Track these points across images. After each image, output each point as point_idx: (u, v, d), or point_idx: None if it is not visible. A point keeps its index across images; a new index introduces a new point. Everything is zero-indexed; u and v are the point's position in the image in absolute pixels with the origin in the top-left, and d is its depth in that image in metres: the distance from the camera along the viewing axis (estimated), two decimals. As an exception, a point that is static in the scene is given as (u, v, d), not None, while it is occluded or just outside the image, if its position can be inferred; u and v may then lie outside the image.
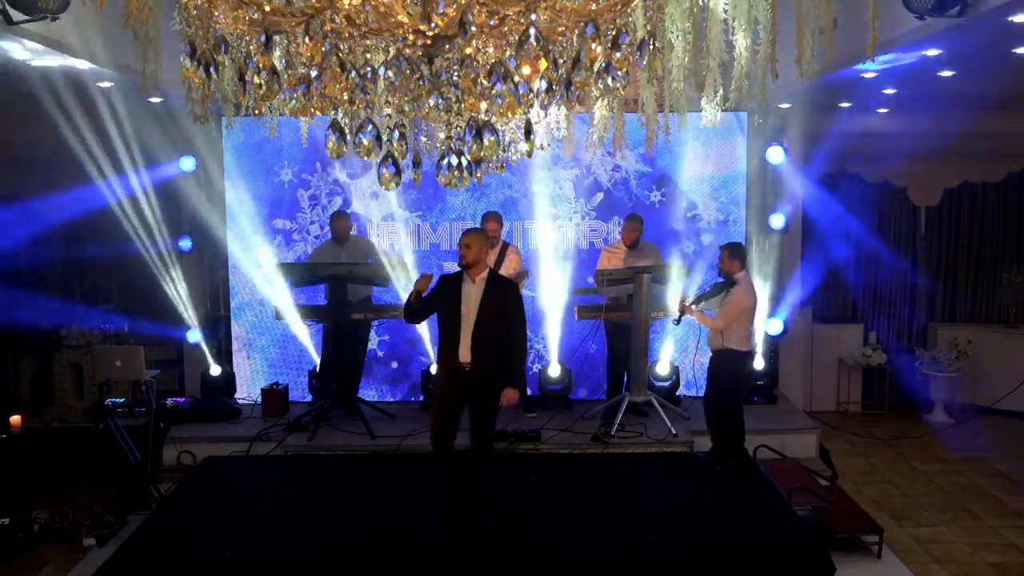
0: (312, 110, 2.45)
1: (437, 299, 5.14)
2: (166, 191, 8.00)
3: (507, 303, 5.06)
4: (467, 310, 4.96)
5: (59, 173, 7.96)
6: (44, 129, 7.64)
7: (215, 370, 7.80)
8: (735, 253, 6.09)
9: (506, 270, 7.02)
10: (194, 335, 7.96)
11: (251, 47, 2.37)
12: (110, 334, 8.11)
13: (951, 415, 8.34)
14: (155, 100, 6.65)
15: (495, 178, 7.51)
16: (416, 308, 5.17)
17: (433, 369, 7.01)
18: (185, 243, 8.01)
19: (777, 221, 7.90)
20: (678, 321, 6.33)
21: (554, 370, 7.56)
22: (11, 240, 8.16)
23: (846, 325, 8.82)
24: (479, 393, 5.03)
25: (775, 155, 7.78)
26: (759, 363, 7.76)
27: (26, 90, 5.99)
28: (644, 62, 2.29)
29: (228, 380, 7.86)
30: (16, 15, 4.07)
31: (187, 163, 7.87)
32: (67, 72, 5.55)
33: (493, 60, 2.28)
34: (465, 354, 4.95)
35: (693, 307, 6.19)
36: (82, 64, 5.36)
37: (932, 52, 5.32)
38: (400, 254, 7.65)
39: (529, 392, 7.54)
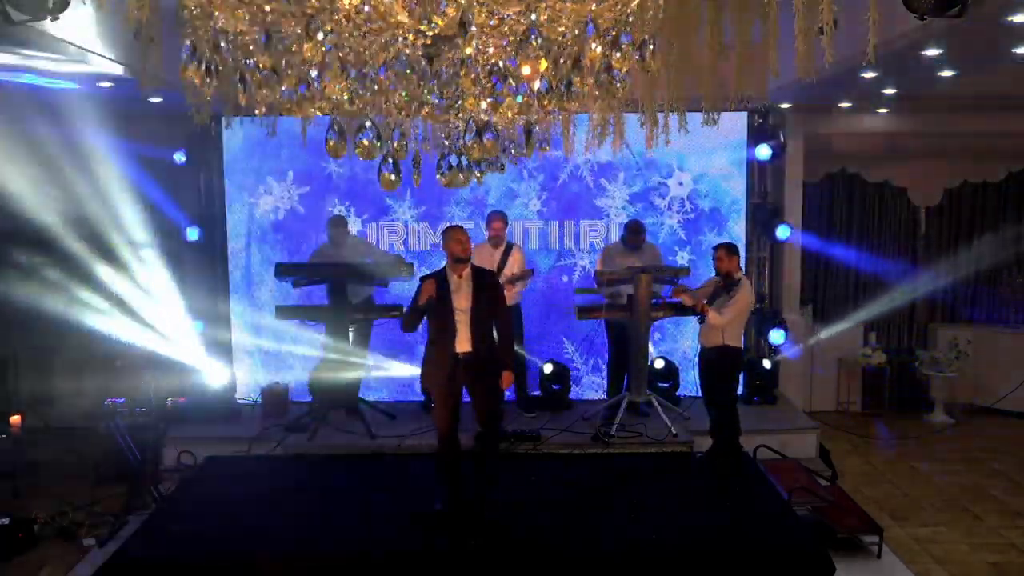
0: (312, 109, 2.45)
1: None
2: (166, 189, 7.99)
3: (493, 292, 5.32)
4: (460, 303, 5.16)
5: (58, 170, 7.95)
6: (43, 127, 7.64)
7: (223, 373, 7.78)
8: (733, 253, 6.09)
9: (510, 269, 7.02)
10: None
11: (251, 47, 2.37)
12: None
13: (951, 415, 8.34)
14: (155, 100, 6.65)
15: (494, 177, 7.50)
16: (417, 316, 5.27)
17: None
18: (192, 232, 8.00)
19: (782, 232, 7.88)
20: (702, 320, 6.22)
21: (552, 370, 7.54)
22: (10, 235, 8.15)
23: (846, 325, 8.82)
24: (482, 379, 5.21)
25: (762, 152, 7.74)
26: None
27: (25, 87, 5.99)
28: (644, 60, 2.29)
29: (228, 380, 7.84)
30: (16, 15, 4.06)
31: (179, 156, 7.87)
32: (67, 71, 5.56)
33: (493, 60, 2.28)
34: (464, 344, 5.15)
35: (708, 307, 6.13)
36: (82, 63, 5.36)
37: (932, 52, 5.32)
38: (400, 254, 7.64)
39: (530, 392, 7.55)
